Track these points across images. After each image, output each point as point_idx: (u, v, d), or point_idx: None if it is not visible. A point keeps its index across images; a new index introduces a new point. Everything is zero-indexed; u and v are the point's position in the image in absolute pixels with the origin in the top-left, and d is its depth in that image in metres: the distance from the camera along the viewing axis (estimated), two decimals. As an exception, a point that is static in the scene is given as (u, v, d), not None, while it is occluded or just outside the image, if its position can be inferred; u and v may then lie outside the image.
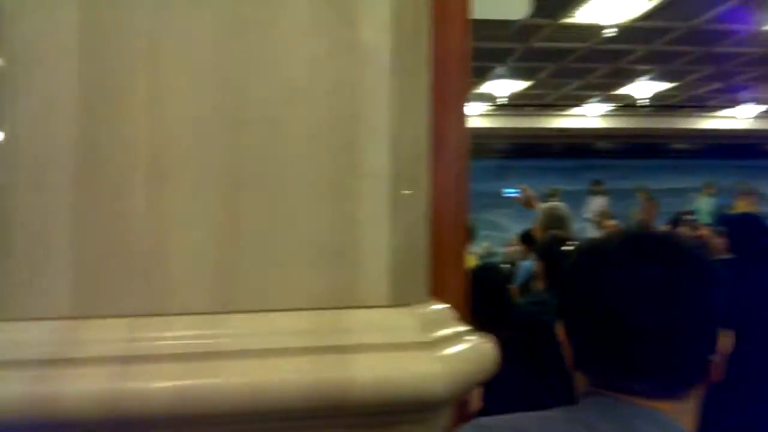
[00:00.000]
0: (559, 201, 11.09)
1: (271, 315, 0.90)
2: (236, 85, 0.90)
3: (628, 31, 4.98)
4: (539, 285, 2.37)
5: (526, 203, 3.03)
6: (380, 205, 0.96)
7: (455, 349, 0.94)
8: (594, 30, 4.87)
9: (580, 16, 4.63)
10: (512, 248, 4.35)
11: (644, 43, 5.35)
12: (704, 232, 2.86)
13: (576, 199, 10.22)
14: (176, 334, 0.71)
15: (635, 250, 0.59)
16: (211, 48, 0.76)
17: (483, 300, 2.23)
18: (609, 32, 4.81)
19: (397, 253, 0.98)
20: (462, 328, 1.03)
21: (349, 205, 0.95)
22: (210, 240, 0.76)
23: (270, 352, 0.84)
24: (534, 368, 2.03)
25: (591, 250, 0.69)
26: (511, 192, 3.14)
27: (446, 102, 1.48)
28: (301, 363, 0.83)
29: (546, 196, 10.47)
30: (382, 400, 0.83)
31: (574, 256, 0.73)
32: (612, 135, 9.42)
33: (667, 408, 0.56)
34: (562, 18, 4.64)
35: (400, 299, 0.97)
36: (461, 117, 1.54)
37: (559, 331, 0.68)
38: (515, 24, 1.62)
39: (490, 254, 6.48)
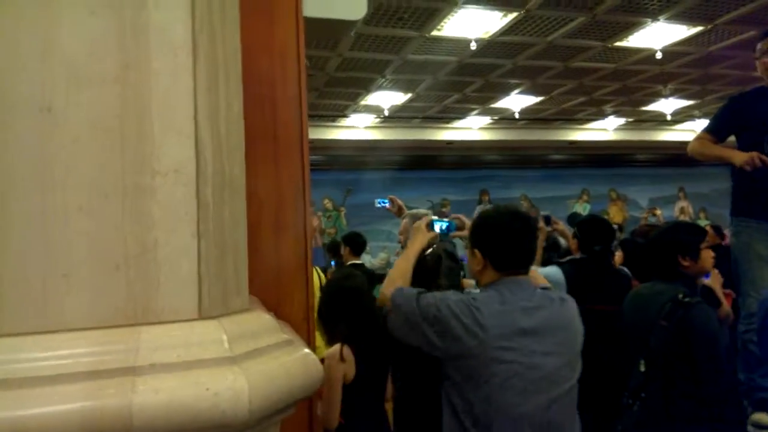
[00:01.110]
0: (449, 211, 11.45)
1: (42, 337, 0.79)
2: (2, 67, 0.80)
3: (493, 46, 5.34)
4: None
5: (398, 212, 3.08)
6: (181, 206, 0.88)
7: (268, 365, 0.89)
8: (462, 44, 5.15)
9: (447, 30, 4.87)
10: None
11: (508, 58, 5.75)
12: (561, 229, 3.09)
13: (467, 209, 10.77)
14: None
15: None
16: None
17: (339, 310, 2.21)
18: (474, 46, 5.11)
19: (204, 260, 0.91)
20: (284, 341, 0.98)
21: (141, 205, 0.86)
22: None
23: (37, 381, 0.73)
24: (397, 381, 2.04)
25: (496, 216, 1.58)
26: (382, 203, 3.14)
27: (278, 101, 1.45)
28: (74, 391, 0.74)
29: (439, 207, 10.87)
30: (173, 427, 0.76)
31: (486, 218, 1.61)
32: (495, 147, 9.99)
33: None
34: (431, 31, 4.86)
35: (207, 311, 0.90)
36: (300, 120, 1.51)
37: (474, 253, 1.55)
38: (353, 26, 1.64)
39: (389, 265, 6.51)
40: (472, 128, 9.21)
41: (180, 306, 0.87)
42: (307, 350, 1.00)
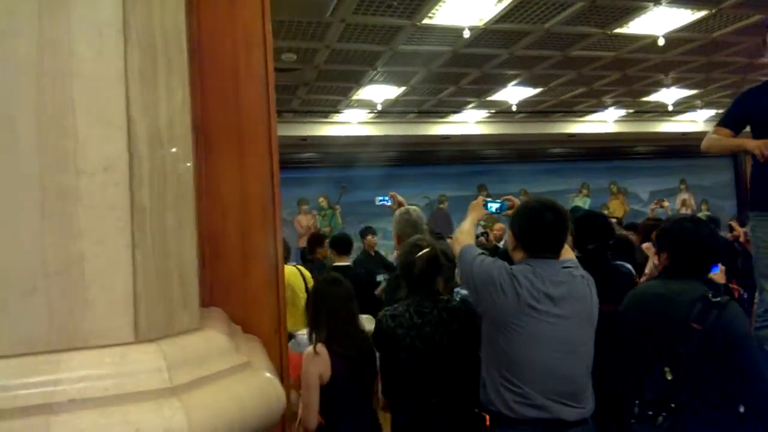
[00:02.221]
0: (447, 207, 11.33)
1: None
2: None
3: (487, 35, 5.22)
4: (402, 293, 2.31)
5: (399, 208, 3.07)
6: (112, 211, 0.77)
7: (216, 396, 0.77)
8: (455, 32, 5.02)
9: (439, 18, 4.75)
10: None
11: (504, 47, 5.63)
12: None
13: (464, 204, 10.64)
14: None
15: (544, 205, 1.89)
16: None
17: (322, 315, 2.19)
18: (467, 35, 4.98)
19: (141, 274, 0.79)
20: (239, 365, 0.86)
21: (64, 211, 0.74)
22: None
23: None
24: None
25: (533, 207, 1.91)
26: (383, 200, 3.11)
27: (242, 90, 1.33)
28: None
29: (437, 203, 10.78)
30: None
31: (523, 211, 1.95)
32: (492, 141, 9.89)
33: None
34: (422, 19, 4.74)
35: (144, 334, 0.78)
36: (268, 111, 1.38)
37: (510, 237, 1.97)
38: (328, 6, 1.52)
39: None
40: (468, 122, 9.10)
41: (112, 329, 0.75)
42: (267, 375, 0.89)
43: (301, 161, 9.39)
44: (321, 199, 9.74)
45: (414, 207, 2.89)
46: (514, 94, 7.58)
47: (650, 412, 1.74)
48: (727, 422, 1.70)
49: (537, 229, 1.83)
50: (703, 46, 5.99)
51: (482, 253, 1.93)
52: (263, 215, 1.23)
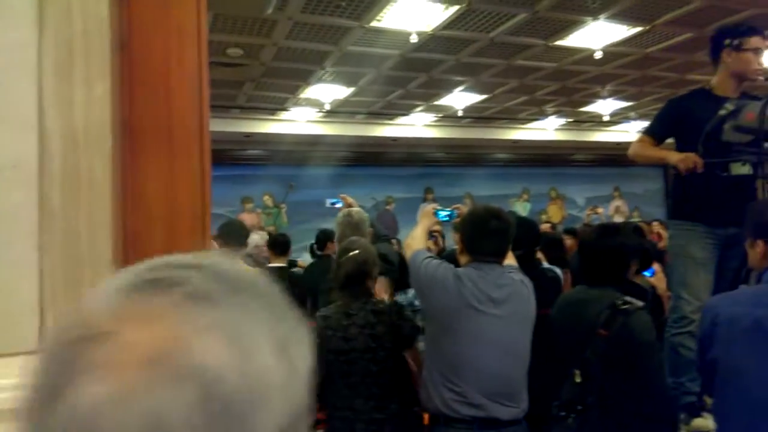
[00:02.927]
0: (393, 208, 11.36)
1: None
2: None
3: (435, 41, 5.29)
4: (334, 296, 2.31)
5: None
6: (20, 211, 0.72)
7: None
8: (403, 36, 5.06)
9: (387, 21, 4.77)
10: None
11: (451, 54, 5.72)
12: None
13: (411, 206, 10.77)
14: None
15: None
16: None
17: None
18: (415, 39, 5.03)
19: (49, 281, 0.74)
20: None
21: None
22: None
23: None
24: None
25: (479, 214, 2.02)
26: (334, 202, 3.10)
27: (174, 88, 1.28)
28: None
29: (384, 204, 10.80)
30: None
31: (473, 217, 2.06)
32: (439, 144, 10.02)
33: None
34: (370, 21, 4.74)
35: None
36: (200, 110, 1.34)
37: (458, 240, 2.18)
38: (269, 3, 1.49)
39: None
40: (416, 125, 9.18)
41: (16, 337, 0.71)
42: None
43: (246, 158, 9.20)
44: (266, 198, 9.56)
45: (357, 209, 2.90)
46: (460, 99, 7.71)
47: (563, 413, 1.82)
48: (630, 424, 1.78)
49: (482, 235, 1.94)
50: (638, 60, 6.29)
51: (430, 257, 2.03)
52: (192, 219, 1.19)
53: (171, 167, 1.27)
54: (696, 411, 2.24)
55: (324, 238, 4.74)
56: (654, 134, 2.57)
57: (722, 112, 2.23)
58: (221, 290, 0.36)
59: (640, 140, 2.61)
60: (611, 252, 2.00)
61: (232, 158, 9.07)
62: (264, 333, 0.36)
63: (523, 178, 11.43)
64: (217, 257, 0.40)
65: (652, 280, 3.18)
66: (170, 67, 1.30)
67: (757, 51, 2.41)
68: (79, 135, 0.77)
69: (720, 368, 1.57)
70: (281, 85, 6.71)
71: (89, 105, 0.81)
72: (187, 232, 1.20)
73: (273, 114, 8.10)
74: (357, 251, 2.16)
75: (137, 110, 1.23)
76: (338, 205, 3.19)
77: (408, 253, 2.12)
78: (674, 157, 2.32)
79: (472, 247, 1.98)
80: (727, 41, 2.43)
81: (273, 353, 0.35)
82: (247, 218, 9.10)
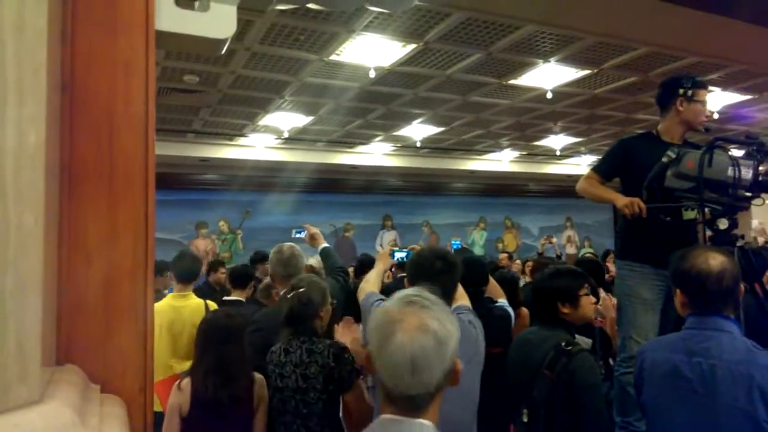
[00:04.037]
0: (352, 235, 11.31)
1: None
2: None
3: (393, 76, 5.38)
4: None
5: (311, 241, 3.10)
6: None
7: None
8: (362, 70, 5.13)
9: (346, 56, 4.83)
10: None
11: (409, 88, 5.83)
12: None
13: (370, 233, 10.79)
14: None
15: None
16: None
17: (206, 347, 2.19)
18: (373, 74, 5.10)
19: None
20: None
21: None
22: None
23: None
24: None
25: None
26: (299, 233, 3.08)
27: (119, 127, 1.24)
28: None
29: (342, 231, 10.75)
30: None
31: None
32: (398, 173, 10.12)
33: None
34: (329, 55, 4.79)
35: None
36: (146, 149, 1.30)
37: (406, 284, 1.96)
38: (222, 45, 1.48)
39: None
40: (376, 154, 9.25)
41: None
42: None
43: (201, 183, 9.03)
44: (221, 223, 9.38)
45: (289, 244, 2.85)
46: (418, 131, 7.83)
47: None
48: None
49: (427, 277, 1.89)
50: (587, 100, 6.57)
51: (380, 299, 2.01)
52: (133, 264, 1.14)
53: (111, 211, 1.22)
54: (642, 449, 2.28)
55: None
56: (601, 172, 2.65)
57: (665, 159, 2.32)
58: (431, 303, 1.12)
59: (588, 177, 2.68)
60: (558, 294, 2.04)
61: (187, 183, 8.89)
62: (448, 317, 1.12)
63: (480, 208, 11.66)
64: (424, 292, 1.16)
65: (599, 307, 3.28)
66: (116, 107, 1.26)
67: (704, 103, 2.56)
68: (8, 185, 0.73)
69: (647, 411, 1.67)
70: (239, 112, 6.66)
71: (21, 153, 0.77)
72: (127, 279, 1.15)
73: (230, 139, 8.01)
74: (302, 289, 2.15)
75: (78, 152, 1.18)
76: (302, 235, 3.17)
77: (360, 296, 2.11)
78: (620, 201, 2.39)
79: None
80: (681, 91, 2.54)
81: (452, 325, 1.10)
82: (201, 244, 8.89)
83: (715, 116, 7.13)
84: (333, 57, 4.82)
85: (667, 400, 1.60)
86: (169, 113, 6.47)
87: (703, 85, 2.59)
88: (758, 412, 1.39)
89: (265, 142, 8.19)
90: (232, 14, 1.46)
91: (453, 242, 3.31)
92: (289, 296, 2.15)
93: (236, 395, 2.12)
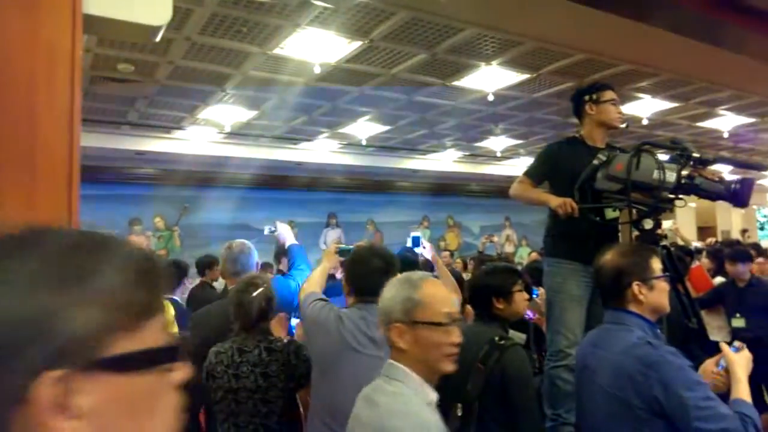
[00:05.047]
0: (296, 234, 11.23)
1: None
2: None
3: (338, 72, 5.36)
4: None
5: (281, 238, 3.06)
6: None
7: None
8: (307, 66, 5.07)
9: (289, 50, 4.76)
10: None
11: (355, 86, 5.82)
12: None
13: (314, 231, 10.68)
14: None
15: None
16: None
17: None
18: (318, 70, 5.06)
19: None
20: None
21: None
22: None
23: None
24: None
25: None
26: (272, 230, 3.04)
27: (41, 114, 1.17)
28: None
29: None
30: None
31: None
32: (344, 171, 10.07)
33: None
34: (272, 48, 4.71)
35: None
36: (70, 138, 1.23)
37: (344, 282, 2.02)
38: (157, 32, 1.42)
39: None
40: (321, 151, 9.17)
41: None
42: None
43: (136, 177, 8.65)
44: (158, 220, 9.03)
45: (240, 241, 2.81)
46: (364, 129, 7.83)
47: None
48: None
49: (365, 275, 1.92)
50: (526, 104, 6.78)
51: (318, 299, 2.01)
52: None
53: (31, 199, 1.15)
54: (573, 441, 2.37)
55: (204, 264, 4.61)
56: (532, 176, 2.74)
57: (596, 162, 2.43)
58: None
59: (520, 181, 2.77)
60: (492, 290, 2.10)
61: (122, 177, 8.50)
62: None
63: (424, 207, 11.80)
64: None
65: (537, 300, 3.41)
66: (37, 93, 1.19)
67: (614, 102, 2.70)
68: None
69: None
70: (177, 104, 6.43)
71: None
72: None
73: (168, 132, 7.71)
74: (262, 289, 2.13)
75: (-6, 139, 1.11)
76: (275, 232, 3.13)
77: (301, 296, 2.10)
78: (553, 201, 2.48)
79: (355, 287, 1.97)
80: (587, 97, 2.71)
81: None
82: (135, 241, 8.51)
83: (645, 122, 7.53)
84: (277, 51, 4.73)
85: (580, 390, 1.78)
86: (102, 103, 6.16)
87: (607, 86, 2.75)
88: (631, 399, 1.52)
89: (205, 136, 7.94)
90: (168, 1, 1.40)
91: (413, 235, 3.28)
92: (255, 294, 2.10)
93: None
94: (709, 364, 1.68)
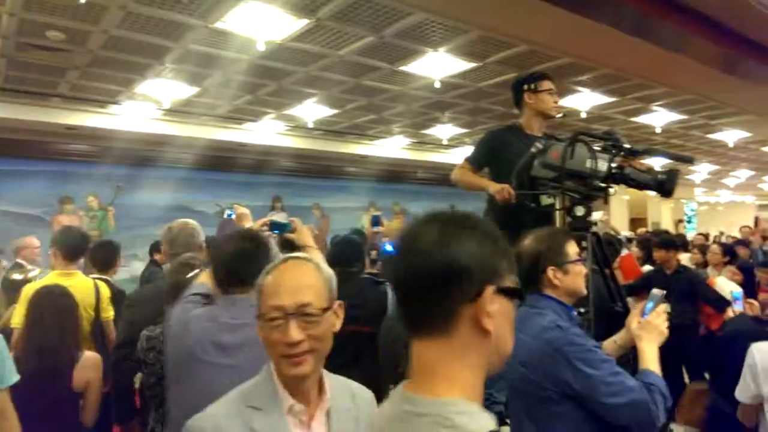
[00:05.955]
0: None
1: None
2: None
3: (284, 50, 5.22)
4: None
5: (238, 221, 2.95)
6: None
7: None
8: (250, 42, 4.91)
9: (231, 24, 4.58)
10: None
11: (301, 66, 5.69)
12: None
13: (258, 214, 10.42)
14: None
15: None
16: None
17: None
18: (262, 47, 4.91)
19: None
20: None
21: None
22: None
23: None
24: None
25: None
26: (230, 214, 2.95)
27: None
28: None
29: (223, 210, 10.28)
30: None
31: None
32: (289, 153, 9.89)
33: None
34: (214, 22, 4.52)
35: None
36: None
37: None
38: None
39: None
40: (267, 132, 8.95)
41: None
42: None
43: (67, 153, 8.16)
44: (90, 199, 8.58)
45: (182, 220, 2.70)
46: (311, 111, 7.69)
47: None
48: None
49: (227, 263, 1.66)
50: (472, 93, 6.85)
51: (195, 294, 1.79)
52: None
53: None
54: (504, 419, 2.43)
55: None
56: (473, 162, 2.79)
57: (533, 150, 2.48)
58: None
59: (461, 167, 2.82)
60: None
61: (52, 152, 8.00)
62: None
63: (370, 192, 11.78)
64: None
65: None
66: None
67: (551, 91, 2.77)
68: None
69: None
70: (112, 77, 6.08)
71: None
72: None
73: (102, 106, 7.30)
74: (197, 270, 2.06)
75: None
76: (232, 216, 3.03)
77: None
78: (492, 187, 2.52)
79: (217, 278, 1.68)
80: (525, 86, 2.79)
81: None
82: (66, 220, 8.05)
83: (583, 115, 7.78)
84: (218, 24, 4.54)
85: (507, 371, 1.78)
86: (29, 73, 5.74)
87: (545, 76, 2.84)
88: (542, 381, 1.59)
89: (143, 112, 7.58)
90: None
91: (373, 215, 3.33)
92: (189, 276, 2.02)
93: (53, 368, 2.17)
94: (633, 317, 1.75)
